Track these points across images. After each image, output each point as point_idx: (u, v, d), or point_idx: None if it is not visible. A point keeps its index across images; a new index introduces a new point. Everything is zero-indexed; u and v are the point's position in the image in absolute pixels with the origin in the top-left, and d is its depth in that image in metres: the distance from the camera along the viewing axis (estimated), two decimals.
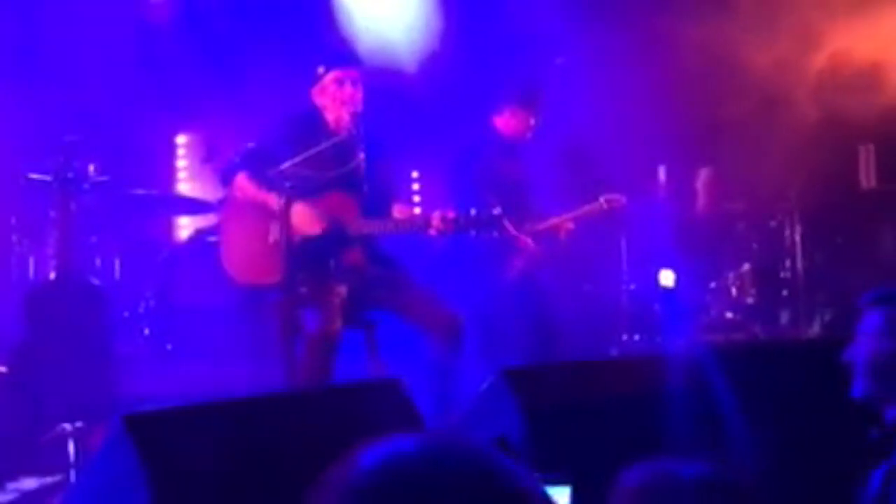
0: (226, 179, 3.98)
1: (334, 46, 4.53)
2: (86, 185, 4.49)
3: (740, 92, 5.60)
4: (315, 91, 3.97)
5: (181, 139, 6.42)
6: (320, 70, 3.97)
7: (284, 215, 3.59)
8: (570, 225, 4.82)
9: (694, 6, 5.60)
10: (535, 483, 0.85)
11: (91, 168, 4.61)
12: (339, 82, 3.91)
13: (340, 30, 5.50)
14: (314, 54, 4.20)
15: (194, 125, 6.32)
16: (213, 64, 5.77)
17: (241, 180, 3.89)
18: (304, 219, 3.76)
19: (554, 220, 4.78)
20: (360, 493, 0.80)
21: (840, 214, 6.00)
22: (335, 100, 3.91)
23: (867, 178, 6.12)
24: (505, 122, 4.73)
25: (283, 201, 3.59)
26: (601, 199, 4.90)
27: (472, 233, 3.74)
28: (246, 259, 3.87)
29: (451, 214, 3.75)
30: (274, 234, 3.75)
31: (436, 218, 3.73)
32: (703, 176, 6.03)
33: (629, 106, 6.03)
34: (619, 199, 4.97)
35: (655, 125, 5.85)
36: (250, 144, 4.00)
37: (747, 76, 5.61)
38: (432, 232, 3.74)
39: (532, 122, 4.75)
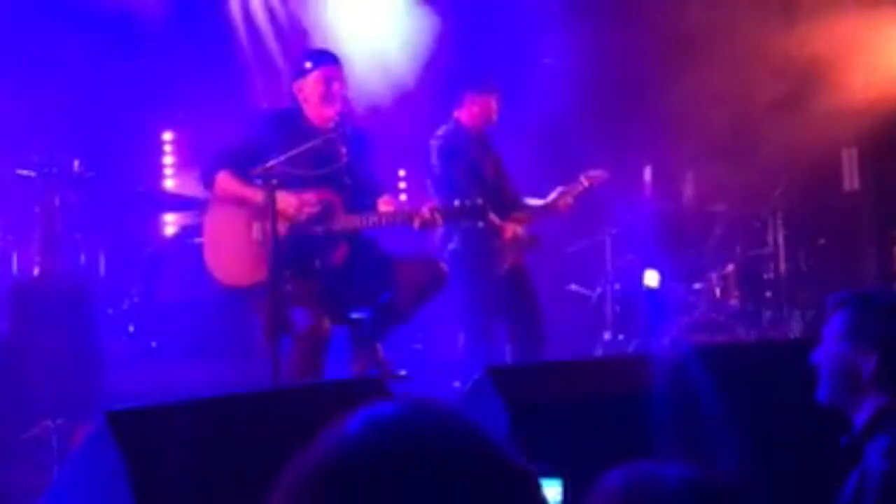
0: (206, 180, 3.95)
1: (321, 44, 4.52)
2: (71, 181, 4.47)
3: (727, 94, 5.63)
4: (298, 84, 3.96)
5: (168, 135, 6.39)
6: (308, 65, 3.96)
7: (271, 212, 3.59)
8: (570, 201, 4.76)
9: (686, 13, 5.64)
10: (517, 456, 0.86)
11: (76, 164, 4.59)
12: (328, 80, 3.91)
13: (327, 29, 5.50)
14: (302, 50, 4.19)
15: (182, 122, 6.30)
16: (202, 60, 5.75)
17: (223, 179, 3.88)
18: (295, 206, 3.76)
19: (539, 209, 4.75)
20: (344, 458, 0.80)
21: (823, 216, 6.05)
22: (321, 97, 3.91)
23: (850, 180, 6.17)
24: (467, 112, 4.64)
25: (268, 197, 3.59)
26: (581, 178, 4.83)
27: (457, 222, 3.74)
28: (229, 260, 3.86)
29: (434, 204, 3.76)
30: (257, 232, 3.74)
31: (420, 211, 3.75)
32: (688, 177, 6.06)
33: (616, 106, 6.06)
34: (601, 174, 4.85)
35: (642, 125, 5.88)
36: (229, 143, 3.99)
37: (735, 79, 5.64)
38: (416, 225, 3.74)
39: (494, 104, 4.64)
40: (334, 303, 3.84)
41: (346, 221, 3.83)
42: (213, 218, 3.97)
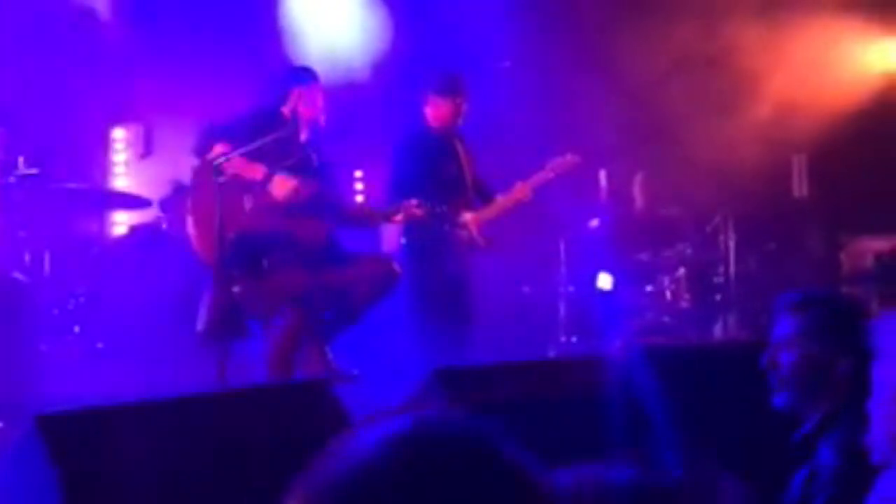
0: (200, 149, 3.93)
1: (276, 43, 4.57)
2: (12, 178, 4.37)
3: (680, 99, 5.68)
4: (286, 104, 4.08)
5: (118, 133, 6.27)
6: (289, 83, 4.13)
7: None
8: (529, 194, 4.76)
9: (637, 18, 5.68)
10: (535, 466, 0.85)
11: (20, 160, 4.49)
12: (306, 96, 4.08)
13: (284, 32, 5.45)
14: (290, 67, 4.32)
15: (132, 119, 6.19)
16: (153, 57, 5.66)
17: (223, 149, 3.86)
18: (286, 188, 3.79)
19: (500, 205, 4.74)
20: (359, 479, 0.79)
21: (773, 222, 6.13)
22: (316, 108, 4.05)
23: (799, 186, 6.27)
24: (433, 112, 4.66)
25: (264, 173, 3.67)
26: (548, 167, 4.81)
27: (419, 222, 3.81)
28: (213, 239, 3.83)
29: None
30: (248, 202, 3.77)
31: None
32: (638, 180, 6.09)
33: (573, 109, 6.08)
34: (570, 159, 4.79)
35: (598, 129, 5.90)
36: (227, 119, 4.05)
37: (687, 85, 5.70)
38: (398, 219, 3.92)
39: (457, 107, 4.64)
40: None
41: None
42: (201, 193, 3.92)
